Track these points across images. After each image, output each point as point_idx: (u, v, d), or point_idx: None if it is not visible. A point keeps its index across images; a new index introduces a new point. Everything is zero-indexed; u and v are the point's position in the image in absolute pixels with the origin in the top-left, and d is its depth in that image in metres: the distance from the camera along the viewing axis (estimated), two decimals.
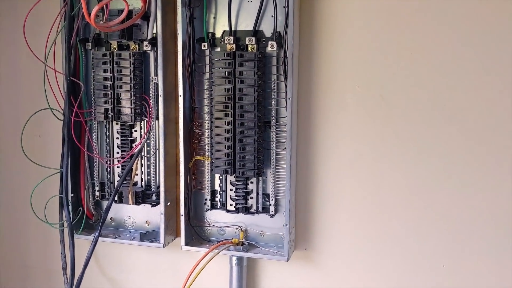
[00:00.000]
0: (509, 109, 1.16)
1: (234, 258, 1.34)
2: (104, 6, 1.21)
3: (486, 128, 1.18)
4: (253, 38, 1.23)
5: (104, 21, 1.23)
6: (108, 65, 1.30)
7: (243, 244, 1.31)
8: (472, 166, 1.20)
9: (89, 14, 1.09)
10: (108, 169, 1.39)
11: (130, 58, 1.29)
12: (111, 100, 1.31)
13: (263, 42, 1.24)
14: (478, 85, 1.17)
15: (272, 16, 1.22)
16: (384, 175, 1.25)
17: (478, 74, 1.17)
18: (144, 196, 1.36)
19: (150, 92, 1.32)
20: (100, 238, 1.33)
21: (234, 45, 1.24)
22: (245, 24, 1.25)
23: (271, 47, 1.22)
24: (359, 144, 1.26)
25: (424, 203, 1.24)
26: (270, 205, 1.29)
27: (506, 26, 1.13)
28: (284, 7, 1.19)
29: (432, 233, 1.24)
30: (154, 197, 1.36)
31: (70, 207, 1.35)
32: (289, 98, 1.20)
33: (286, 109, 1.22)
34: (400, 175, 1.24)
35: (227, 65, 1.23)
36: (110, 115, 1.31)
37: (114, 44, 1.31)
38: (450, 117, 1.19)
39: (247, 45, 1.24)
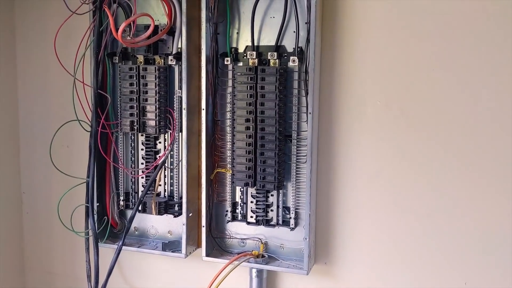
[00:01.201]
0: None
1: (254, 270, 1.35)
2: (131, 22, 1.25)
3: (511, 143, 1.17)
4: (275, 53, 1.25)
5: (131, 36, 1.27)
6: (134, 78, 1.34)
7: (263, 256, 1.32)
8: (498, 180, 1.18)
9: (117, 30, 1.13)
10: (133, 180, 1.42)
11: (155, 72, 1.32)
12: (137, 112, 1.34)
13: (285, 57, 1.26)
14: (500, 100, 1.16)
15: (294, 31, 1.24)
16: (405, 189, 1.25)
17: (501, 90, 1.16)
18: (167, 206, 1.39)
19: (174, 105, 1.35)
20: (124, 247, 1.36)
21: (256, 60, 1.26)
22: (268, 39, 1.28)
23: (293, 62, 1.24)
24: (380, 158, 1.26)
25: (447, 218, 1.23)
26: (290, 218, 1.30)
27: None
28: (306, 23, 1.21)
29: (454, 249, 1.23)
30: (176, 208, 1.38)
31: (96, 216, 1.38)
32: (310, 113, 1.21)
33: (306, 123, 1.23)
34: (422, 188, 1.24)
35: (249, 79, 1.25)
36: (135, 127, 1.35)
37: (141, 58, 1.35)
38: (470, 131, 1.19)
39: (269, 60, 1.26)
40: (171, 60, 1.32)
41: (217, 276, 1.25)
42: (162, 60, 1.35)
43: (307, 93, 1.22)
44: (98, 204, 1.39)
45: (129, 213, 1.42)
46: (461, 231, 1.22)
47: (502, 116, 1.16)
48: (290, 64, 1.25)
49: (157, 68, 1.32)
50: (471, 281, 1.23)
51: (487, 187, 1.19)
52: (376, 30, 1.23)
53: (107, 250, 1.41)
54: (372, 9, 1.22)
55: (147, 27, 1.26)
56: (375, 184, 1.27)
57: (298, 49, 1.24)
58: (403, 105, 1.23)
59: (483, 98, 1.17)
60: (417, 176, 1.24)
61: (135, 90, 1.34)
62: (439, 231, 1.24)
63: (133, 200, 1.42)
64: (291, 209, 1.29)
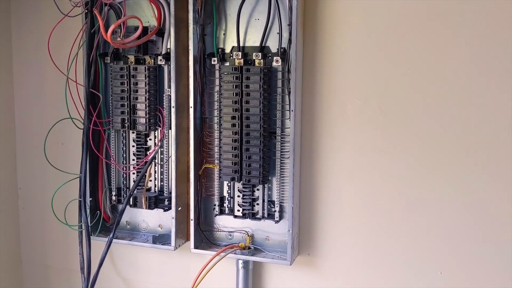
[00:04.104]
0: (509, 120, 1.20)
1: (240, 262, 1.40)
2: (121, 23, 1.30)
3: (485, 139, 1.22)
4: (260, 54, 1.30)
5: (121, 37, 1.32)
6: (125, 78, 1.39)
7: (249, 248, 1.37)
8: (471, 175, 1.24)
9: (107, 32, 1.18)
10: (124, 175, 1.47)
11: (145, 71, 1.37)
12: (128, 110, 1.39)
13: (269, 57, 1.32)
14: (478, 96, 1.21)
15: (278, 33, 1.29)
16: (384, 183, 1.30)
17: (478, 86, 1.21)
18: (157, 201, 1.44)
19: (164, 103, 1.40)
20: (115, 240, 1.41)
21: (242, 60, 1.31)
22: (253, 40, 1.33)
23: (276, 62, 1.29)
24: (360, 154, 1.31)
25: (424, 211, 1.28)
26: (275, 211, 1.35)
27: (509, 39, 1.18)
28: (288, 24, 1.26)
29: (431, 240, 1.28)
30: (166, 202, 1.44)
31: (88, 211, 1.43)
32: (292, 110, 1.27)
33: (289, 120, 1.29)
34: (400, 182, 1.29)
35: (235, 78, 1.30)
36: (126, 125, 1.40)
37: (131, 58, 1.40)
38: (448, 128, 1.24)
39: (254, 60, 1.31)
40: (161, 60, 1.38)
41: (205, 267, 1.31)
42: (152, 60, 1.40)
43: (289, 92, 1.28)
44: (91, 199, 1.45)
45: (121, 207, 1.47)
46: (437, 222, 1.27)
47: (480, 112, 1.21)
48: (274, 64, 1.30)
49: (147, 68, 1.37)
50: (446, 270, 1.28)
51: (463, 180, 1.24)
52: (356, 30, 1.28)
53: (100, 243, 1.45)
54: (351, 10, 1.28)
55: (137, 28, 1.31)
56: (356, 178, 1.32)
57: (282, 49, 1.29)
58: (381, 102, 1.28)
59: (461, 95, 1.22)
60: (395, 170, 1.29)
61: (126, 89, 1.39)
62: (416, 223, 1.29)
63: (124, 195, 1.47)
64: (275, 202, 1.35)
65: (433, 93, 1.24)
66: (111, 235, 1.37)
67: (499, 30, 1.18)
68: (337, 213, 1.35)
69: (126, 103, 1.39)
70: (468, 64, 1.21)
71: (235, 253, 1.36)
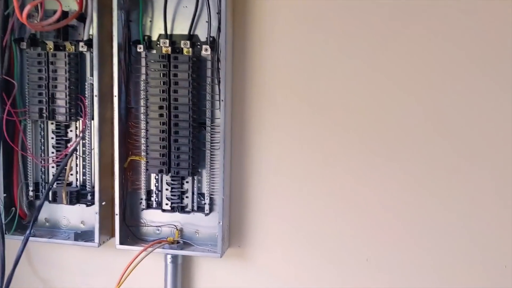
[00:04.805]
0: (449, 107, 1.24)
1: (168, 256, 1.36)
2: (39, 5, 1.22)
3: (413, 132, 1.26)
4: (188, 42, 1.26)
5: (38, 20, 1.23)
6: (43, 65, 1.30)
7: (178, 242, 1.33)
8: (400, 168, 1.28)
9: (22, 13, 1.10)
10: (43, 169, 1.38)
11: (65, 58, 1.29)
12: (46, 99, 1.31)
13: (198, 46, 1.28)
14: (407, 89, 1.25)
15: (206, 21, 1.27)
16: (313, 175, 1.32)
17: (409, 80, 1.25)
18: (79, 196, 1.36)
19: (86, 92, 1.33)
20: (33, 239, 1.33)
21: (169, 48, 1.27)
22: (181, 28, 1.29)
23: (205, 51, 1.26)
24: (289, 145, 1.32)
25: (351, 201, 1.31)
26: (205, 204, 1.33)
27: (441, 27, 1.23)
28: (217, 13, 1.24)
29: (358, 229, 1.31)
30: (89, 197, 1.36)
31: (2, 207, 1.33)
32: (222, 100, 1.25)
33: (219, 110, 1.26)
34: (329, 172, 1.31)
35: (162, 67, 1.26)
36: (44, 115, 1.31)
37: (50, 44, 1.31)
38: (378, 122, 1.27)
39: (182, 48, 1.27)
40: (82, 46, 1.30)
41: (131, 264, 1.26)
42: (73, 47, 1.32)
43: (219, 81, 1.25)
44: (5, 194, 1.35)
45: (38, 203, 1.38)
46: (365, 211, 1.31)
47: (408, 103, 1.26)
48: (203, 53, 1.27)
49: (67, 54, 1.30)
50: (372, 256, 1.32)
51: (386, 172, 1.29)
52: (286, 19, 1.28)
53: (17, 243, 1.34)
54: None
55: (56, 12, 1.23)
56: (285, 169, 1.33)
57: (211, 38, 1.27)
58: (310, 94, 1.29)
59: (391, 90, 1.26)
60: (323, 162, 1.31)
61: (44, 77, 1.30)
62: (343, 213, 1.32)
63: (43, 191, 1.38)
64: (205, 195, 1.32)
65: (364, 86, 1.27)
66: (27, 232, 1.28)
67: (440, 23, 1.22)
68: (268, 204, 1.35)
69: (44, 92, 1.31)
70: (399, 59, 1.25)
71: (163, 248, 1.32)
